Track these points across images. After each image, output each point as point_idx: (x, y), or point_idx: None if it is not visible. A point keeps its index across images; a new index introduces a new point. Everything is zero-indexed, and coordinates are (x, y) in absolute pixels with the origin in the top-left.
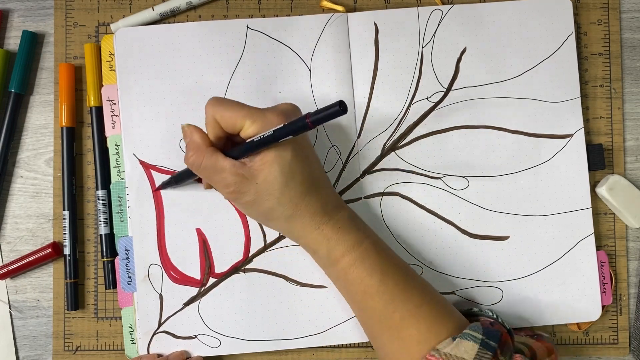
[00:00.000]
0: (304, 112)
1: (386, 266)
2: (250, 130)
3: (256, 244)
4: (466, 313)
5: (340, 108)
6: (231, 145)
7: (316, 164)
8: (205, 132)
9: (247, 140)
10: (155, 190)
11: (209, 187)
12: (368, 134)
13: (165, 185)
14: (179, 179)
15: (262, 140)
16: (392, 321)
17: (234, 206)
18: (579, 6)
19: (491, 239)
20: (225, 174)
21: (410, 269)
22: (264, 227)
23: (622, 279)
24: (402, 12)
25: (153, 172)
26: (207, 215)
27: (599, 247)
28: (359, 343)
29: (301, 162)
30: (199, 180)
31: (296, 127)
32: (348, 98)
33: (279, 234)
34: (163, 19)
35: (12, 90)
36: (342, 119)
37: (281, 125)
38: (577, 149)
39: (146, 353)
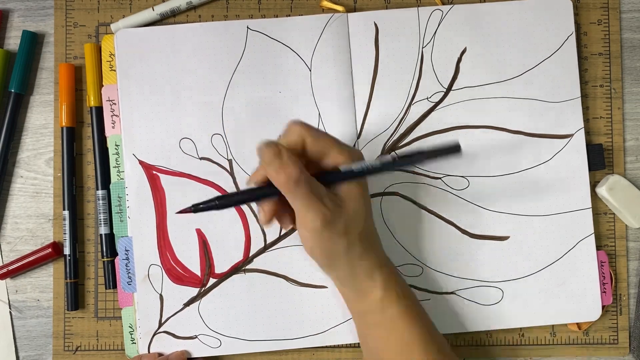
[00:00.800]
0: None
1: (425, 320)
2: (338, 159)
3: (256, 244)
4: None
5: (457, 150)
6: None
7: None
8: None
9: (348, 167)
10: (195, 211)
11: (269, 219)
12: (368, 134)
13: (207, 208)
14: (243, 200)
15: (365, 170)
16: None
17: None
18: (579, 6)
19: (491, 239)
20: (324, 198)
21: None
22: (264, 227)
23: (622, 279)
24: (402, 12)
25: (149, 172)
26: (207, 216)
27: (599, 247)
28: (359, 343)
29: (370, 202)
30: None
31: (409, 162)
32: (348, 98)
33: (279, 234)
34: (163, 19)
35: (12, 90)
36: (342, 119)
37: (390, 159)
38: (577, 149)
39: (147, 353)
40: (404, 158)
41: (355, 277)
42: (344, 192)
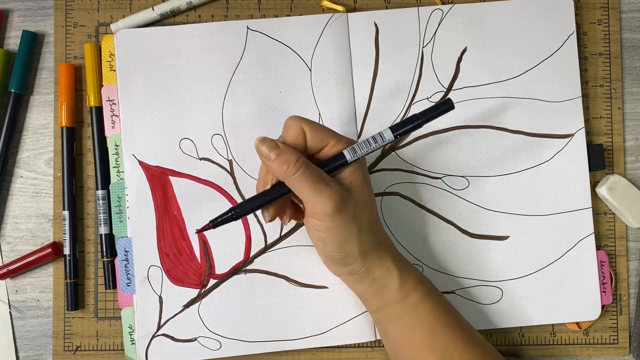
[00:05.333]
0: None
1: (445, 302)
2: (335, 148)
3: (257, 244)
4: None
5: (450, 105)
6: None
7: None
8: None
9: (351, 148)
10: (211, 227)
11: (274, 216)
12: (368, 134)
13: (224, 221)
14: (253, 208)
15: (368, 147)
16: (452, 358)
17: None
18: (579, 6)
19: (491, 238)
20: (332, 184)
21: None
22: (264, 227)
23: (622, 279)
24: (402, 12)
25: (149, 172)
26: (207, 216)
27: (599, 247)
28: (359, 343)
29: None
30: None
31: (407, 128)
32: (348, 98)
33: (280, 234)
34: (163, 19)
35: (12, 90)
36: (342, 119)
37: (387, 128)
38: (578, 148)
39: (145, 358)
40: (399, 126)
41: (370, 269)
42: (348, 179)
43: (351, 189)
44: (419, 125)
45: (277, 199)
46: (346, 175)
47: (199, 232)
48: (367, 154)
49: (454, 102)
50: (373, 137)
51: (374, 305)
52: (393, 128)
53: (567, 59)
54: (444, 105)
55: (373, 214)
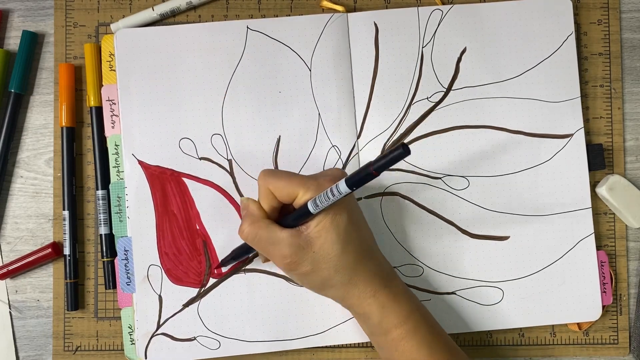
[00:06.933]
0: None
1: (434, 342)
2: (304, 197)
3: None
4: None
5: (403, 150)
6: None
7: (368, 230)
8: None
9: (310, 204)
10: (216, 268)
11: (267, 260)
12: (368, 134)
13: (225, 262)
14: (237, 255)
15: (319, 205)
16: None
17: (293, 279)
18: (579, 6)
19: (491, 239)
20: (282, 245)
21: (454, 344)
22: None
23: (622, 279)
24: (402, 12)
25: (148, 172)
26: (207, 215)
27: (599, 247)
28: (359, 343)
29: (356, 228)
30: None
31: (360, 178)
32: (348, 98)
33: None
34: (163, 19)
35: (12, 90)
36: (342, 119)
37: (342, 180)
38: (577, 149)
39: (144, 356)
40: (354, 177)
41: (349, 305)
42: (313, 230)
43: (312, 240)
44: (373, 175)
45: (247, 252)
46: (312, 226)
47: (217, 267)
48: (328, 205)
49: (451, 90)
50: (331, 190)
51: (363, 330)
52: (347, 180)
53: (566, 59)
54: (397, 150)
55: (347, 254)
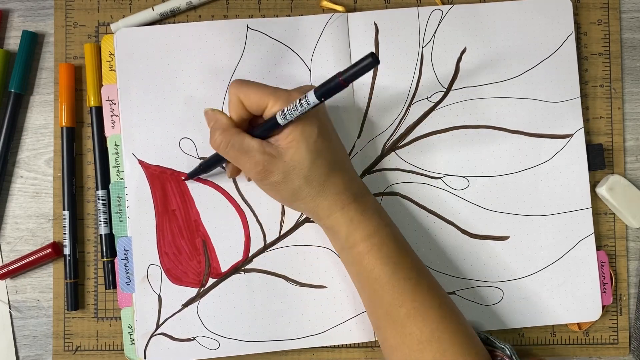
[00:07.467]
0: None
1: (401, 258)
2: (274, 108)
3: (256, 244)
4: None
5: (372, 59)
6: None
7: (340, 144)
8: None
9: (279, 114)
10: (184, 180)
11: (234, 173)
12: (368, 134)
13: (193, 174)
14: (206, 166)
15: (289, 114)
16: (397, 315)
17: (262, 189)
18: (579, 6)
19: (491, 239)
20: (253, 153)
21: (425, 269)
22: (264, 227)
23: (622, 279)
24: (402, 12)
25: (149, 172)
26: (207, 215)
27: (599, 247)
28: (359, 343)
29: (326, 141)
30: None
31: (329, 88)
32: (348, 98)
33: (279, 234)
34: (163, 19)
35: (12, 90)
36: (342, 119)
37: (311, 90)
38: (577, 149)
39: (143, 356)
40: (323, 85)
41: (318, 217)
42: (282, 142)
43: (283, 151)
44: (341, 85)
45: (217, 162)
46: (282, 138)
47: (185, 180)
48: (297, 117)
49: (451, 90)
50: (299, 100)
51: (334, 246)
52: (316, 91)
53: (566, 60)
54: (366, 60)
55: (318, 167)
